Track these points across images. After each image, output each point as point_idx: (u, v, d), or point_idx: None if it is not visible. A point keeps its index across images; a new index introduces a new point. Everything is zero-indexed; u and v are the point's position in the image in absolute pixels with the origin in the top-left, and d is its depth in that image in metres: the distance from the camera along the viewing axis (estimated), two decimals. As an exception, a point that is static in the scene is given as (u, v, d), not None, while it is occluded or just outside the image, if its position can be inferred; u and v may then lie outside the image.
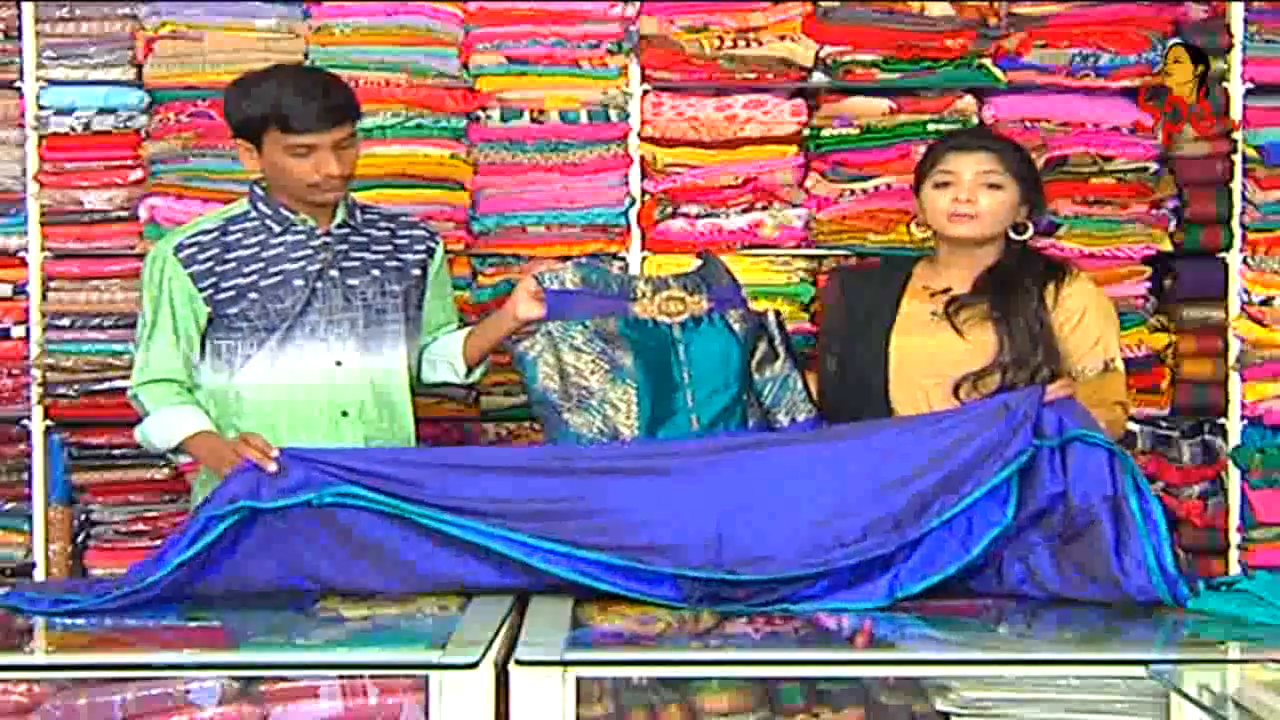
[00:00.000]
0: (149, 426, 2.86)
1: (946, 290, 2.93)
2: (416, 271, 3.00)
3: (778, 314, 2.97)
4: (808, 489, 2.51)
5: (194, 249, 2.86)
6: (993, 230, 2.90)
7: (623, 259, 3.57)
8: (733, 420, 2.80)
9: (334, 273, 2.90)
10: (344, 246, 2.92)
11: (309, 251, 2.89)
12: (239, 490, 2.46)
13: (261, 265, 2.86)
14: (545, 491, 2.53)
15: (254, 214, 2.90)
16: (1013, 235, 2.92)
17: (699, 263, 3.00)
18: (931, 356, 2.88)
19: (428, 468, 2.55)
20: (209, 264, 2.85)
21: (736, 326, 2.86)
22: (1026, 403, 2.52)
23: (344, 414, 2.89)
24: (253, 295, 2.84)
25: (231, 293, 2.85)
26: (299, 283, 2.87)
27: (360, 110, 2.90)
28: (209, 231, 2.88)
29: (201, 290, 2.84)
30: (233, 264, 2.86)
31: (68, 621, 2.40)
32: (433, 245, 3.05)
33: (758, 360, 2.87)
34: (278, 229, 2.89)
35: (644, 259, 3.59)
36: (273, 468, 2.49)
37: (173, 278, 2.85)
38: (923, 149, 3.53)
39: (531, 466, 2.60)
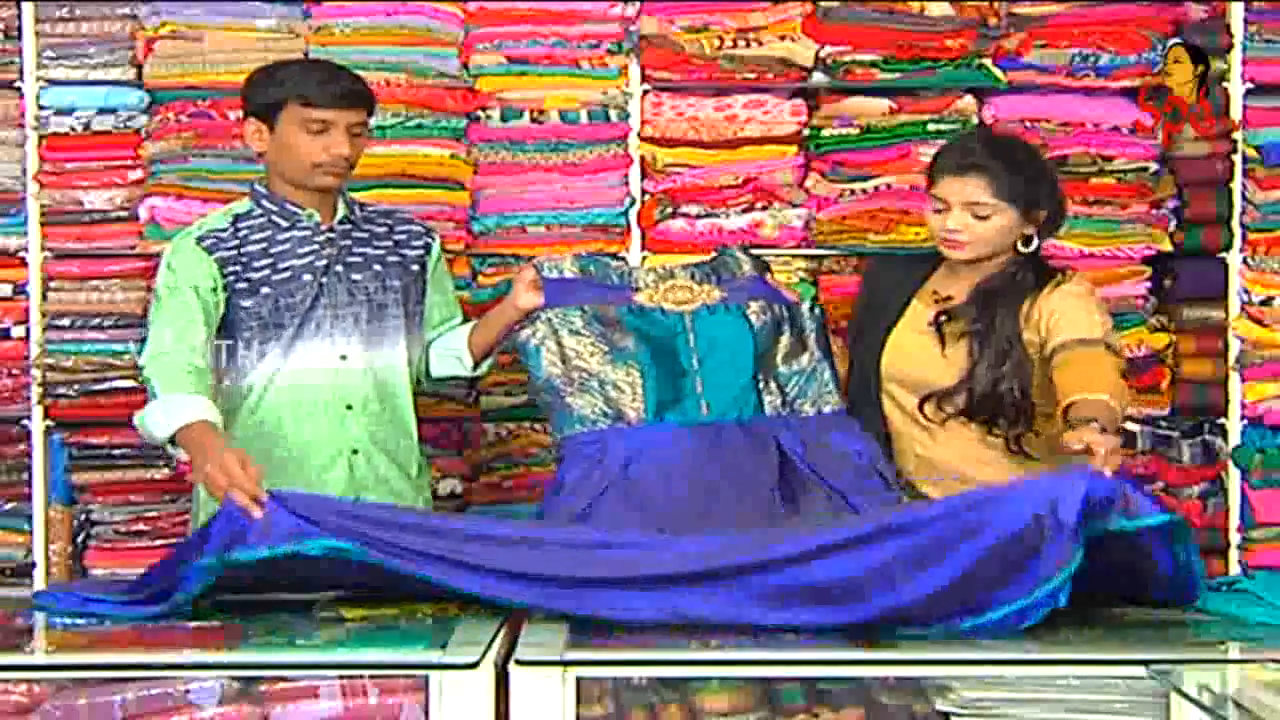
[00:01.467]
0: (149, 413, 2.68)
1: (948, 299, 2.91)
2: (416, 267, 3.03)
3: (815, 304, 2.97)
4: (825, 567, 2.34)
5: (213, 241, 2.87)
6: (988, 251, 2.85)
7: (623, 259, 3.57)
8: (747, 408, 2.78)
9: (339, 268, 2.92)
10: (347, 242, 2.95)
11: (315, 247, 2.91)
12: (224, 539, 2.33)
13: (271, 260, 2.88)
14: (545, 566, 2.38)
15: (258, 211, 2.92)
16: (1020, 248, 2.86)
17: (713, 255, 3.02)
18: (914, 364, 2.88)
19: (423, 533, 2.41)
20: (231, 254, 2.86)
21: (754, 319, 2.85)
22: (1067, 505, 2.21)
23: (349, 408, 2.92)
24: (265, 290, 2.86)
25: (246, 286, 2.86)
26: (307, 278, 2.89)
27: (375, 106, 2.94)
28: (223, 229, 2.90)
29: (225, 278, 2.84)
30: (246, 260, 2.87)
31: (67, 621, 2.41)
32: (429, 241, 3.08)
33: (784, 352, 2.87)
34: (284, 224, 2.91)
35: (644, 259, 3.59)
36: (257, 514, 2.33)
37: (196, 264, 2.83)
38: (923, 149, 3.57)
39: (531, 539, 2.45)
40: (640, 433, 2.77)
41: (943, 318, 2.87)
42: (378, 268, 2.96)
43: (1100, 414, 2.48)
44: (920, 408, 2.84)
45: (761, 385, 2.81)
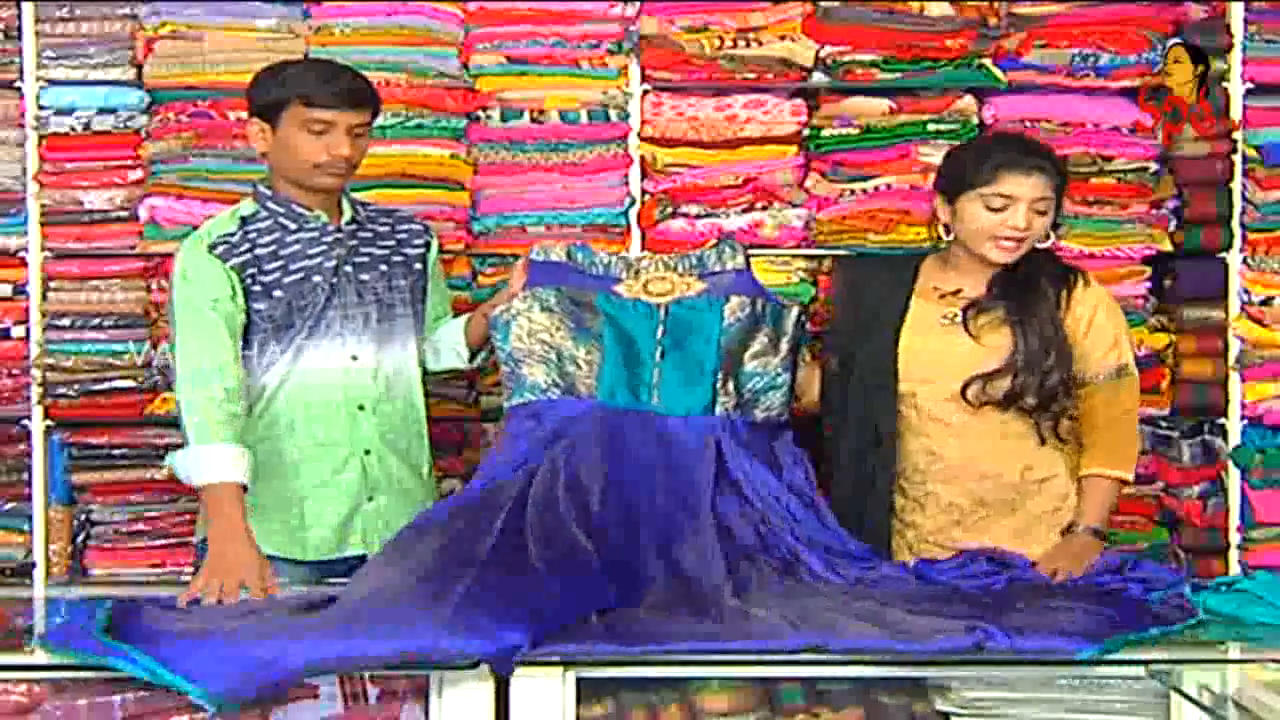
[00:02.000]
0: (180, 460, 2.71)
1: (957, 292, 2.91)
2: (418, 266, 3.05)
3: (801, 313, 2.95)
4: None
5: (225, 248, 2.85)
6: (1029, 248, 2.87)
7: (623, 258, 3.57)
8: (696, 406, 2.78)
9: (348, 268, 2.92)
10: (354, 242, 2.95)
11: (324, 248, 2.91)
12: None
13: (282, 263, 2.87)
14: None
15: (264, 213, 2.91)
16: (1037, 244, 2.87)
17: (712, 243, 3.03)
18: (942, 361, 2.86)
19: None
20: (245, 259, 2.85)
21: (728, 314, 2.85)
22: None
23: (361, 408, 2.92)
24: (277, 293, 2.85)
25: (260, 289, 2.85)
26: (317, 279, 2.89)
27: (379, 107, 2.94)
28: (231, 233, 2.88)
29: (242, 284, 2.83)
30: (258, 263, 2.86)
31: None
32: (428, 239, 3.10)
33: (754, 350, 2.86)
34: (292, 226, 2.90)
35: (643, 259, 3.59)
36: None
37: (212, 275, 2.81)
38: (923, 149, 3.57)
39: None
40: (582, 404, 2.78)
41: (971, 310, 2.87)
42: (384, 268, 2.97)
43: (1104, 501, 2.83)
44: (963, 393, 2.83)
45: (719, 384, 2.80)
